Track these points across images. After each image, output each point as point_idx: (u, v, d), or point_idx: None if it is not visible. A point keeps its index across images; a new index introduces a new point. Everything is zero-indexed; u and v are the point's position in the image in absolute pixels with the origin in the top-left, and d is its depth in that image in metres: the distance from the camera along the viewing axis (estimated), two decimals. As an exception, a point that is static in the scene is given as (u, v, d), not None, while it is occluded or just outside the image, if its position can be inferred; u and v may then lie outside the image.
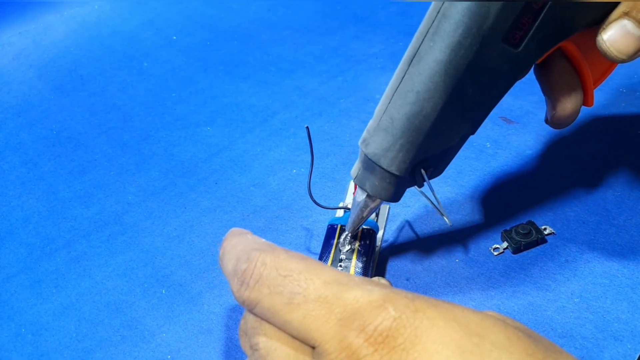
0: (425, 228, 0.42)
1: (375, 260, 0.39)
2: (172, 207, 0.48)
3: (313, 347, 0.18)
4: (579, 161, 0.46)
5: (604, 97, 0.53)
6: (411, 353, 0.16)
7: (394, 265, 0.39)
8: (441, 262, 0.39)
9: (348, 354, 0.16)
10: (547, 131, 0.50)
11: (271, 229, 0.44)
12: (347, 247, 0.35)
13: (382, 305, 0.17)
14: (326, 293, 0.17)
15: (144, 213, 0.48)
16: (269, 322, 0.19)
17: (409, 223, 0.42)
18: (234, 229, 0.22)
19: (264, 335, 0.19)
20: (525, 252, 0.38)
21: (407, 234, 0.41)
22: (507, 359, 0.16)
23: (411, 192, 0.45)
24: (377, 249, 0.39)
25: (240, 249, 0.20)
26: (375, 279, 0.34)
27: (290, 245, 0.43)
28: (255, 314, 0.19)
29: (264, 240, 0.21)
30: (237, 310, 0.38)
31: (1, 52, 0.88)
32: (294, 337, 0.18)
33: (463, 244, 0.40)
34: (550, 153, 0.47)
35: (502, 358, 0.16)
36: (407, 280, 0.37)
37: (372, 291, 0.17)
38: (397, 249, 0.40)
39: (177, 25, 0.86)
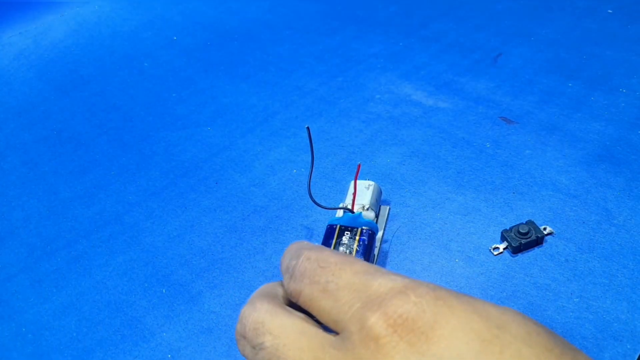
0: (425, 228, 0.42)
1: (375, 260, 0.39)
2: (172, 207, 0.48)
3: (340, 331, 0.18)
4: (579, 161, 0.46)
5: (604, 97, 0.53)
6: (430, 337, 0.16)
7: (394, 265, 0.39)
8: (441, 262, 0.39)
9: (369, 335, 0.17)
10: (546, 131, 0.50)
11: (271, 229, 0.44)
12: (345, 248, 0.35)
13: (404, 291, 0.17)
14: (354, 280, 0.19)
15: (144, 213, 0.48)
16: (309, 310, 0.20)
17: (408, 223, 0.42)
18: (295, 242, 0.25)
19: (269, 334, 0.19)
20: (525, 252, 0.38)
21: (406, 234, 0.41)
22: (526, 352, 0.16)
23: (411, 192, 0.45)
24: (376, 249, 0.39)
25: (295, 248, 0.23)
26: None
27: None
28: (300, 304, 0.21)
29: (317, 244, 0.24)
30: (237, 309, 0.38)
31: (2, 52, 0.88)
32: (327, 324, 0.19)
33: (463, 243, 0.40)
34: (550, 153, 0.47)
35: (522, 350, 0.16)
36: (407, 280, 0.38)
37: (396, 279, 0.18)
38: (396, 248, 0.40)
39: (178, 26, 0.86)
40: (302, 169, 0.50)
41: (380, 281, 0.18)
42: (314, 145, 0.36)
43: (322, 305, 0.19)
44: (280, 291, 0.22)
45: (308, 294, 0.20)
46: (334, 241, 0.36)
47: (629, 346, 0.32)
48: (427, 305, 0.17)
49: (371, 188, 0.40)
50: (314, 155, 0.36)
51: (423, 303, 0.17)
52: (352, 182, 0.39)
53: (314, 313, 0.19)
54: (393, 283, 0.18)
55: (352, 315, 0.18)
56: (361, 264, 0.20)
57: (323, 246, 0.23)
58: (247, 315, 0.21)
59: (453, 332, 0.16)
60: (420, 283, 0.18)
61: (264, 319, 0.20)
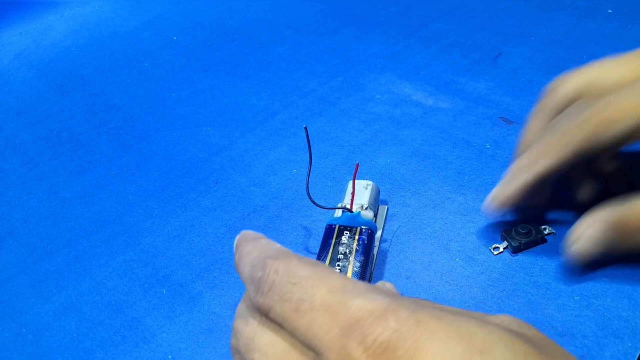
0: (425, 228, 0.42)
1: (374, 260, 0.39)
2: (172, 207, 0.48)
3: (317, 354, 0.18)
4: (579, 160, 0.46)
5: (604, 96, 0.53)
6: None
7: (394, 264, 0.39)
8: (441, 262, 0.39)
9: None
10: (547, 131, 0.50)
11: (271, 228, 0.44)
12: (345, 248, 0.35)
13: (384, 315, 0.16)
14: (330, 300, 0.18)
15: (144, 213, 0.48)
16: (283, 328, 0.19)
17: (408, 222, 0.42)
18: (247, 233, 0.23)
19: (258, 352, 0.19)
20: (525, 252, 0.38)
21: (406, 233, 0.41)
22: None
23: (411, 192, 0.45)
24: (376, 248, 0.39)
25: (255, 255, 0.21)
26: (380, 283, 0.33)
27: (290, 244, 0.43)
28: (271, 319, 0.20)
29: (278, 245, 0.22)
30: (238, 309, 0.38)
31: (2, 52, 0.88)
32: (302, 344, 0.18)
33: (463, 243, 0.40)
34: (550, 152, 0.47)
35: None
36: (408, 279, 0.37)
37: (375, 300, 0.17)
38: (396, 248, 0.40)
39: (178, 26, 0.86)
40: (302, 169, 0.50)
41: (358, 302, 0.17)
42: (312, 145, 0.36)
43: (296, 325, 0.18)
44: None
45: (279, 311, 0.19)
46: (333, 241, 0.36)
47: (630, 344, 0.31)
48: (408, 331, 0.16)
49: (369, 188, 0.40)
50: (312, 156, 0.36)
51: (403, 330, 0.16)
52: (350, 182, 0.39)
53: (287, 330, 0.19)
54: (372, 305, 0.17)
55: (330, 341, 0.17)
56: (335, 279, 0.18)
57: (287, 251, 0.21)
58: (239, 329, 0.21)
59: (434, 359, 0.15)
60: (400, 304, 0.17)
61: (254, 335, 0.20)
